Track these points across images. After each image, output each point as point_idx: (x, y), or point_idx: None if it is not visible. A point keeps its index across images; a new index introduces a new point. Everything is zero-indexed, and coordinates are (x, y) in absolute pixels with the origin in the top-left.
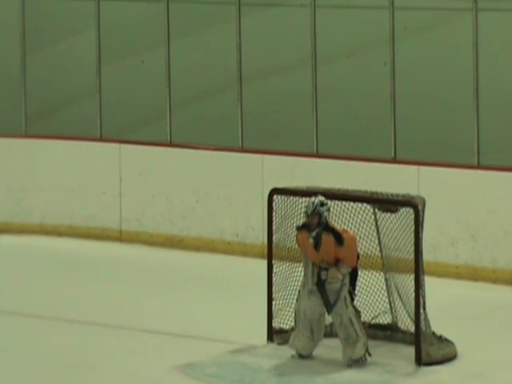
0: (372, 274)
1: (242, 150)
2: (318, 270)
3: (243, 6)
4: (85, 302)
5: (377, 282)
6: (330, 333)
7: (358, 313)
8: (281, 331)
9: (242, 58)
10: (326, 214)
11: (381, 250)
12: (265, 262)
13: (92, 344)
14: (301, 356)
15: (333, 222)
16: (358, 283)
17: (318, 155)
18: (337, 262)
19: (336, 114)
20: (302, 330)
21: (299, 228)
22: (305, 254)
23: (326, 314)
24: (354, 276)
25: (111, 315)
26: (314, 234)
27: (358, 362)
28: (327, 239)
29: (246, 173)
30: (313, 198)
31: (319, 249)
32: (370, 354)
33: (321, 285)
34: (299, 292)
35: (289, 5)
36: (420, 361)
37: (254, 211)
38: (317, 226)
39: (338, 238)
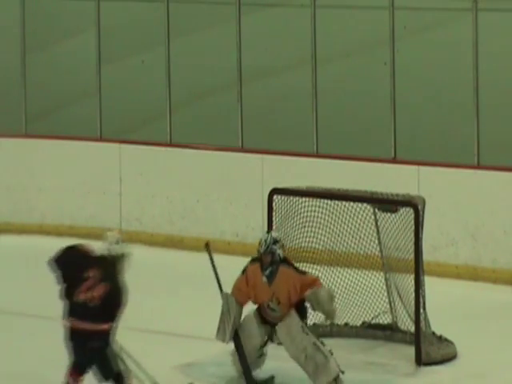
0: (372, 273)
1: (242, 149)
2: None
3: (243, 5)
4: None
5: (377, 282)
6: (330, 333)
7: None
8: None
9: (242, 58)
10: (279, 251)
11: (381, 250)
12: None
13: None
14: None
15: (333, 221)
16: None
17: (317, 155)
18: (295, 304)
19: (336, 114)
20: None
21: (253, 259)
22: (246, 294)
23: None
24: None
25: None
26: (267, 272)
27: (336, 382)
28: (285, 270)
29: (246, 173)
30: (265, 236)
31: (272, 282)
32: (342, 372)
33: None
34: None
35: (289, 5)
36: (420, 361)
37: (254, 211)
38: (269, 264)
39: (298, 269)
